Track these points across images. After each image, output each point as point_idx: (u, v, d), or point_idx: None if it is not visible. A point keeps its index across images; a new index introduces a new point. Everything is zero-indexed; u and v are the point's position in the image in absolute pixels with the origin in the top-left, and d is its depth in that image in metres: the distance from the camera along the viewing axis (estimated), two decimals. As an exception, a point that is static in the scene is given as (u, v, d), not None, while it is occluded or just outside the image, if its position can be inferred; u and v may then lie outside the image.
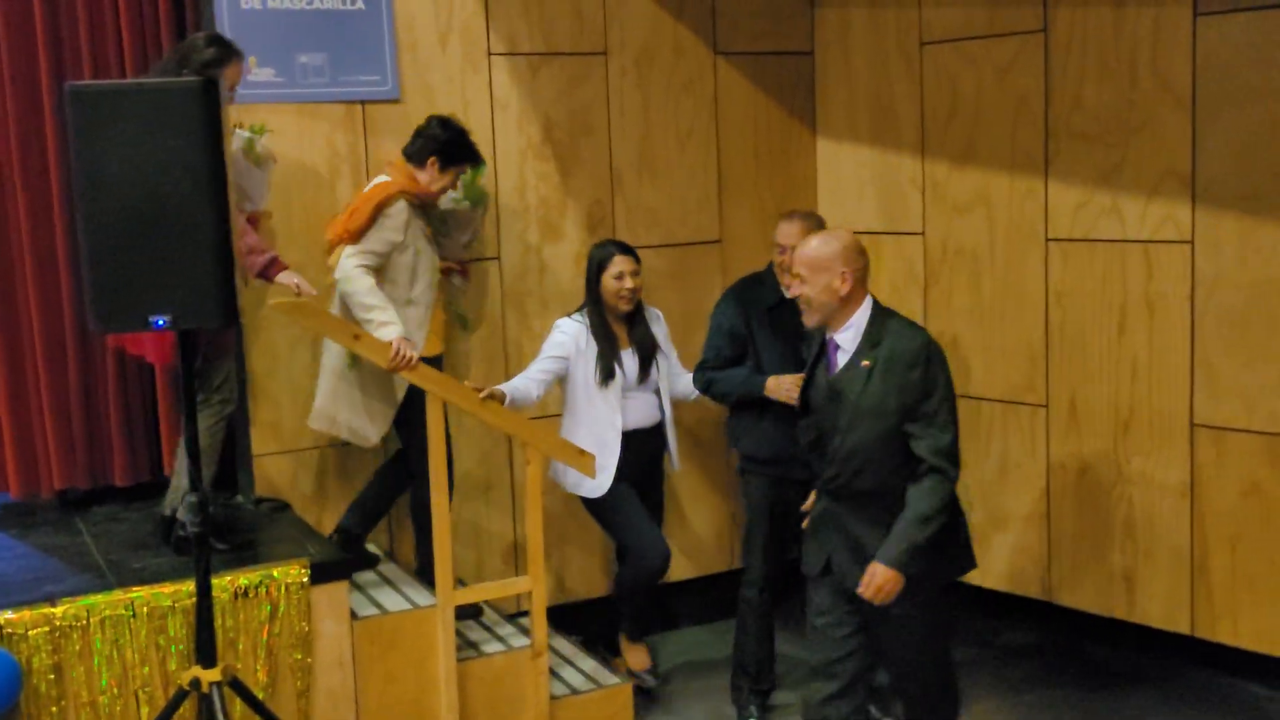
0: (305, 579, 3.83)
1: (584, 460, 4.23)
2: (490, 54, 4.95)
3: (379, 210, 4.21)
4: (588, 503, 4.61)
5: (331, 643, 3.89)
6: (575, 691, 4.34)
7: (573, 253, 5.14)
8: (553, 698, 4.28)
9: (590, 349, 4.52)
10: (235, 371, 4.26)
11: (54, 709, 3.54)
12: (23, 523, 4.51)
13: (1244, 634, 4.52)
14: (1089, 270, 4.79)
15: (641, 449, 4.60)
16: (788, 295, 4.17)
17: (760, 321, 4.41)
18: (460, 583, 4.50)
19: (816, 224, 4.30)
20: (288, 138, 4.61)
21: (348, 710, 3.95)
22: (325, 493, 4.76)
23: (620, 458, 4.50)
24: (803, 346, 4.14)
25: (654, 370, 4.61)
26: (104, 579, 3.82)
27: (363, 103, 4.75)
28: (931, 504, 3.38)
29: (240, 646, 3.75)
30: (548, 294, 5.10)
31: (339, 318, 4.22)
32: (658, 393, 4.65)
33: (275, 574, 3.80)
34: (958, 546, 3.61)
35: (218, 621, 3.56)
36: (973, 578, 5.26)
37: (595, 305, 4.57)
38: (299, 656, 3.83)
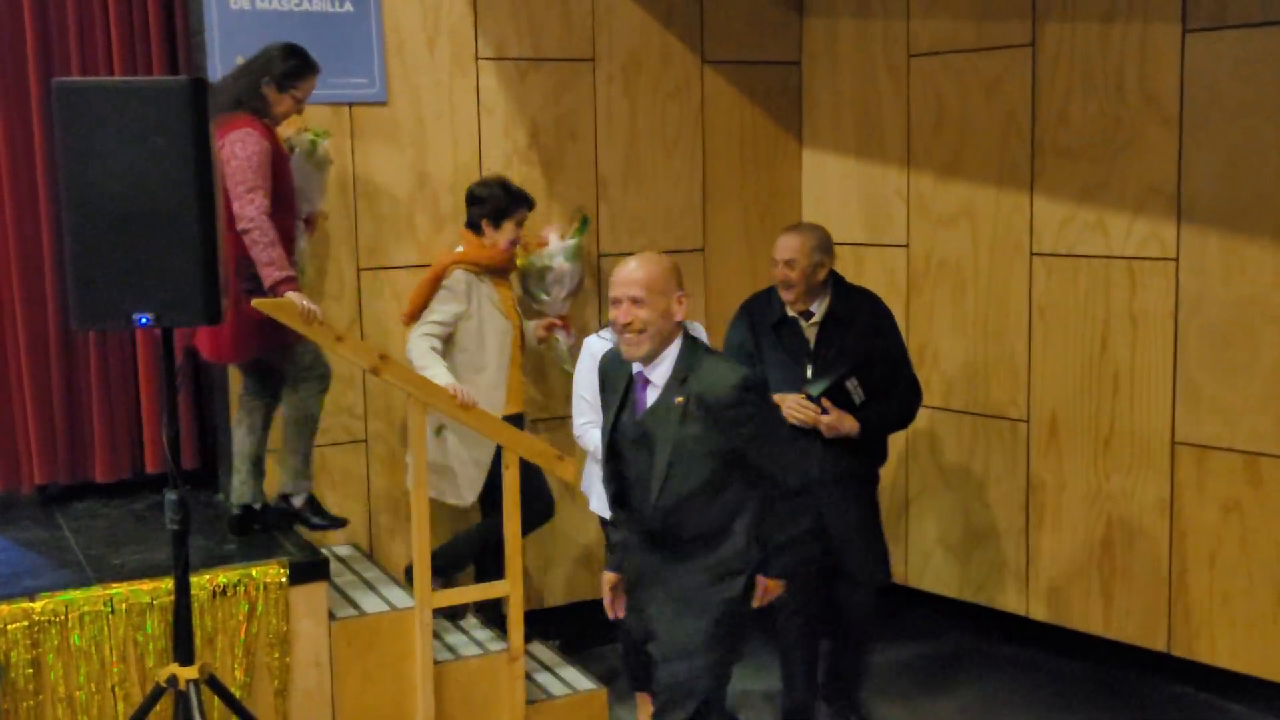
0: (284, 579, 3.82)
1: (563, 465, 4.23)
2: (478, 58, 4.96)
3: (437, 283, 4.40)
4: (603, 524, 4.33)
5: (309, 643, 3.89)
6: (551, 696, 4.34)
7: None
8: (529, 702, 4.27)
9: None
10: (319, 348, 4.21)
11: (30, 703, 3.53)
12: (3, 517, 4.49)
13: (1221, 652, 4.54)
14: (1073, 286, 4.81)
15: None
16: (789, 313, 4.14)
17: (767, 339, 4.21)
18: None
19: (819, 237, 4.15)
20: (275, 138, 4.61)
21: (324, 710, 3.94)
22: (306, 493, 4.74)
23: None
24: (808, 361, 4.11)
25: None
26: (83, 575, 3.81)
27: (350, 105, 4.75)
28: (792, 531, 3.30)
29: (218, 645, 3.75)
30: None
31: (320, 319, 4.21)
32: None
33: (254, 573, 3.80)
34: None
35: (196, 620, 3.55)
36: (950, 590, 5.29)
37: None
38: (277, 656, 3.82)
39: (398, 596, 4.24)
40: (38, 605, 3.56)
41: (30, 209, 4.46)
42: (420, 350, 4.32)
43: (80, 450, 4.64)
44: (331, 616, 3.98)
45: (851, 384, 4.08)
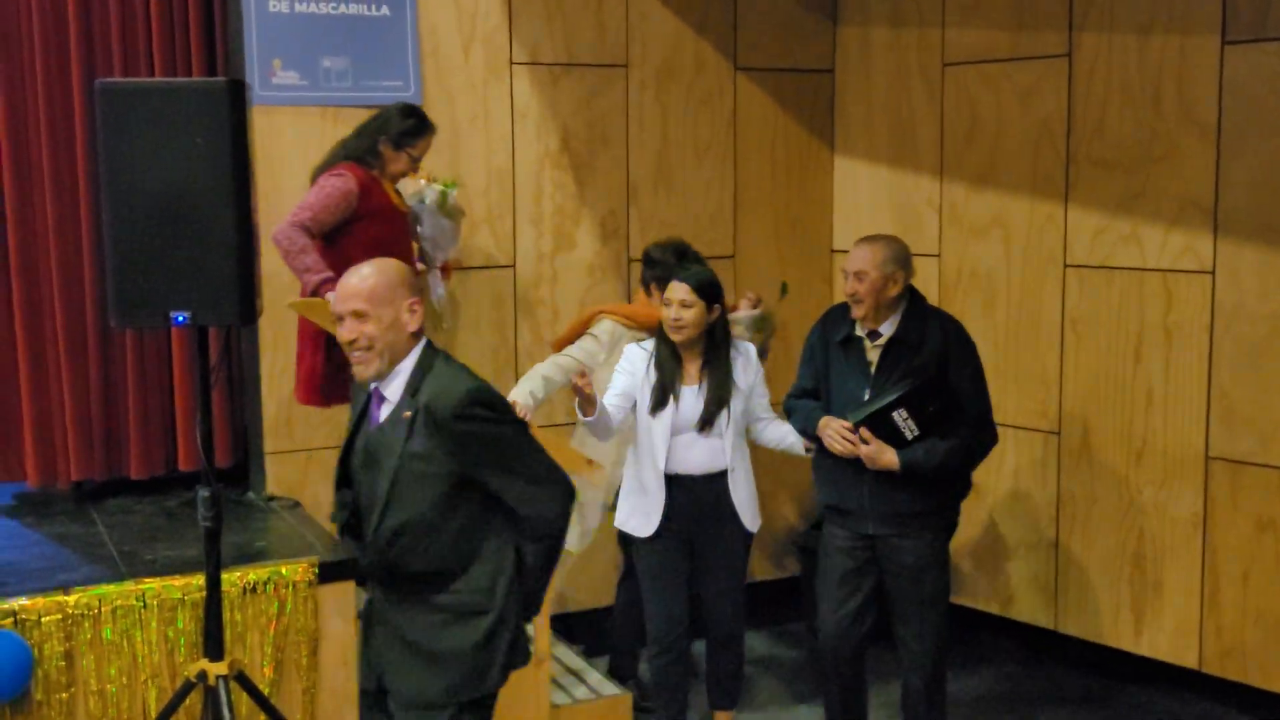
0: (313, 577, 3.85)
1: (592, 469, 4.24)
2: (512, 63, 4.99)
3: (586, 325, 4.46)
4: (632, 543, 4.25)
5: (337, 641, 3.91)
6: (575, 701, 4.35)
7: (585, 263, 5.16)
8: (553, 706, 4.28)
9: (650, 378, 4.04)
10: None
11: (64, 695, 3.57)
12: (39, 512, 4.55)
13: (1252, 671, 4.49)
14: (1106, 297, 4.78)
15: (696, 499, 4.04)
16: (857, 331, 3.89)
17: (835, 356, 3.94)
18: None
19: (894, 249, 3.85)
20: (310, 141, 4.65)
21: (350, 710, 3.95)
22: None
23: (667, 505, 4.03)
24: (867, 385, 3.84)
25: (723, 417, 4.01)
26: (116, 570, 3.85)
27: (384, 107, 4.77)
28: (538, 583, 3.02)
29: (248, 642, 3.77)
30: (559, 303, 5.13)
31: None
32: (723, 438, 4.05)
33: (284, 571, 3.82)
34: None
35: (226, 616, 3.58)
36: (978, 603, 5.25)
37: (661, 332, 4.06)
38: (305, 654, 3.84)
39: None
40: (71, 599, 3.59)
41: (71, 208, 4.52)
42: (532, 371, 4.26)
43: (116, 447, 4.69)
44: (359, 615, 4.00)
45: (900, 415, 3.75)
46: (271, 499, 4.66)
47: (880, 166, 5.49)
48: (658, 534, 4.04)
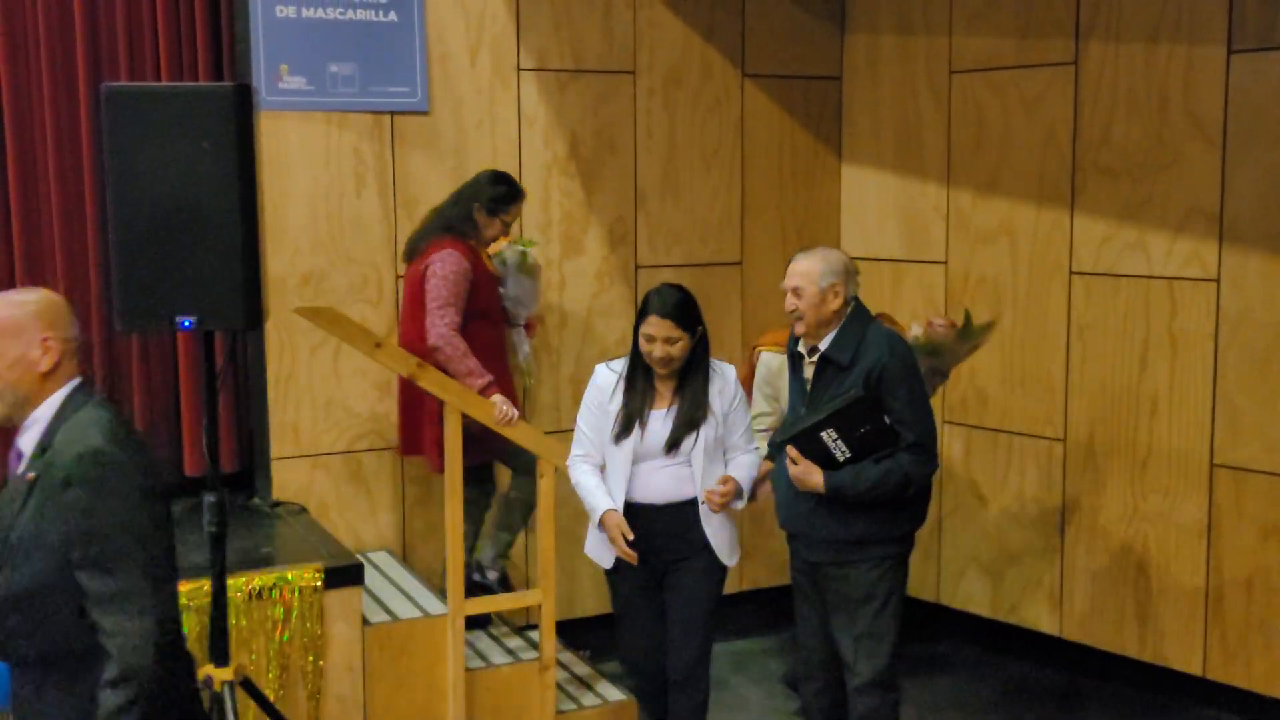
0: (319, 583, 3.85)
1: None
2: (520, 69, 4.99)
3: (752, 369, 4.48)
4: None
5: (343, 647, 3.91)
6: (582, 707, 4.34)
7: (593, 269, 5.16)
8: (559, 712, 4.27)
9: (616, 402, 3.79)
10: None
11: (65, 703, 3.56)
12: (41, 517, 4.54)
13: (1257, 677, 4.49)
14: (1112, 305, 4.78)
15: (663, 528, 3.75)
16: (800, 347, 3.71)
17: (789, 370, 3.83)
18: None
19: (831, 262, 3.61)
20: (316, 146, 4.66)
21: (356, 715, 3.96)
22: (342, 497, 4.78)
23: (638, 534, 3.73)
24: (803, 404, 3.67)
25: (690, 442, 3.72)
26: (119, 576, 3.84)
27: (391, 113, 4.79)
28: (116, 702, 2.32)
29: (253, 647, 3.77)
30: (566, 309, 5.13)
31: (360, 325, 4.25)
32: (690, 465, 3.76)
33: (289, 577, 3.82)
34: None
35: (232, 621, 3.58)
36: (982, 609, 5.25)
37: (635, 353, 3.79)
38: (311, 660, 3.84)
39: (431, 603, 4.25)
40: (76, 603, 3.59)
41: (77, 211, 4.52)
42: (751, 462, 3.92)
43: (120, 451, 4.68)
44: (365, 621, 4.00)
45: (829, 436, 3.52)
46: (277, 504, 4.65)
47: (887, 173, 5.49)
48: (620, 565, 3.78)
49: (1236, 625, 4.52)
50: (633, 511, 3.75)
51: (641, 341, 3.73)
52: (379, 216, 4.78)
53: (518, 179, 4.98)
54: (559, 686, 4.37)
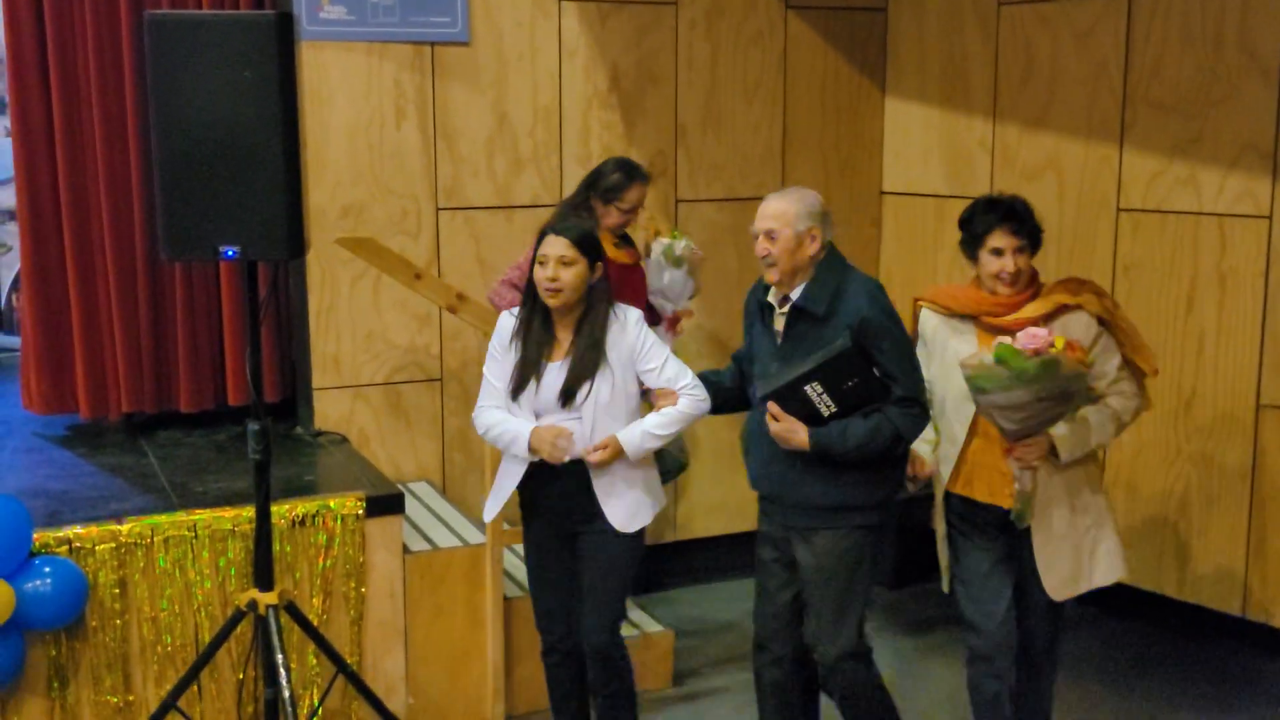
0: (360, 511, 3.90)
1: None
2: (561, 0, 4.93)
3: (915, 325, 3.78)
4: None
5: (384, 574, 3.97)
6: (619, 637, 4.39)
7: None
8: (596, 642, 4.32)
9: (513, 353, 3.46)
10: None
11: (118, 622, 3.65)
12: (91, 443, 4.63)
13: (1296, 618, 4.47)
14: (1160, 242, 4.70)
15: (561, 489, 3.44)
16: (769, 296, 3.39)
17: (756, 319, 3.48)
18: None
19: (808, 203, 3.31)
20: (356, 77, 4.65)
21: (396, 641, 4.03)
22: (382, 428, 4.82)
23: (535, 493, 3.47)
24: (775, 358, 3.36)
25: (582, 394, 3.36)
26: (168, 500, 3.92)
27: (432, 44, 4.75)
28: None
29: (297, 574, 3.84)
30: (609, 243, 5.11)
31: (401, 256, 4.26)
32: (582, 420, 3.40)
33: (332, 505, 3.88)
34: None
35: (275, 548, 3.63)
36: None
37: (529, 290, 3.45)
38: (353, 586, 3.91)
39: (470, 533, 4.30)
40: (124, 528, 3.66)
41: (120, 141, 4.54)
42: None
43: (166, 380, 4.75)
44: (406, 550, 4.06)
45: (814, 390, 3.25)
46: (319, 434, 4.71)
47: (932, 107, 5.40)
48: (527, 525, 3.56)
49: (1277, 567, 4.49)
50: (531, 472, 3.45)
51: (535, 270, 3.39)
52: (419, 148, 4.77)
53: (558, 111, 4.96)
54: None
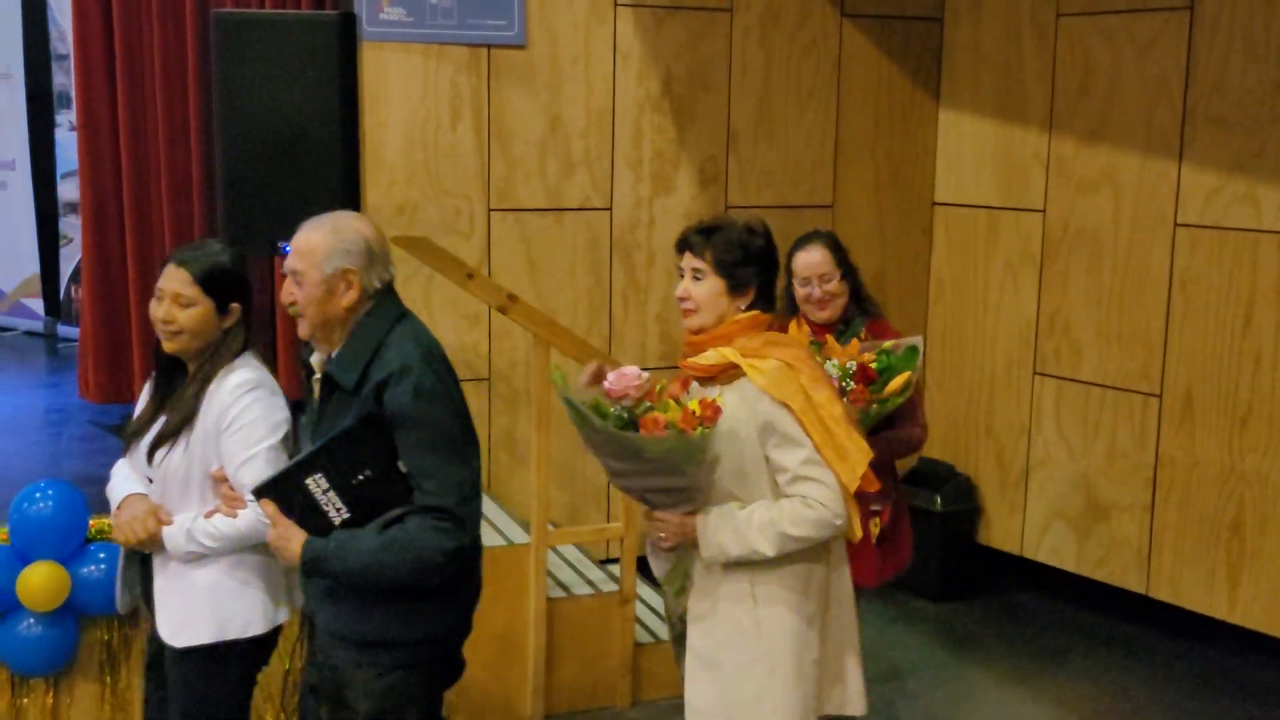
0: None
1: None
2: (616, 4, 4.95)
3: None
4: None
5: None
6: (660, 640, 4.39)
7: (682, 209, 5.14)
8: (637, 644, 4.33)
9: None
10: None
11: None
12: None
13: (1350, 643, 4.39)
14: (1218, 259, 4.65)
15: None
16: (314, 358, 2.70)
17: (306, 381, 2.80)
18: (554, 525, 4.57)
19: (347, 238, 2.61)
20: (413, 77, 4.68)
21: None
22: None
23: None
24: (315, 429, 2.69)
25: (178, 457, 2.76)
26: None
27: (488, 46, 4.79)
28: None
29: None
30: (655, 247, 5.12)
31: (453, 256, 4.29)
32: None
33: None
34: None
35: (323, 541, 3.65)
36: (1067, 564, 5.18)
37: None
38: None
39: (515, 532, 4.32)
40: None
41: (182, 137, 4.62)
42: None
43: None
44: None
45: (316, 485, 2.54)
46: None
47: (986, 119, 5.37)
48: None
49: (1331, 591, 4.42)
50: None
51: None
52: (473, 150, 4.81)
53: (611, 115, 4.98)
54: (638, 620, 4.42)
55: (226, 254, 2.80)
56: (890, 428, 3.39)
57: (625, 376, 2.58)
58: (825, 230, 3.70)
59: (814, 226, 5.34)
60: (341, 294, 2.55)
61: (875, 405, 3.18)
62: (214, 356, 2.76)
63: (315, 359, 2.66)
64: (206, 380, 2.74)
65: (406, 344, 2.55)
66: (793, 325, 3.49)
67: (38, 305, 7.97)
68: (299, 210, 3.34)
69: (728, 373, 2.65)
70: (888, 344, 3.31)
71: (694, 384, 2.70)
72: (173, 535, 2.72)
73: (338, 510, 2.51)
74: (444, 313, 4.82)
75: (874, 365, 3.21)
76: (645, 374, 2.62)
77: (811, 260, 3.50)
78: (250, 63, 3.41)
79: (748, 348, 2.65)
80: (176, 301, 2.73)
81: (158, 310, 2.74)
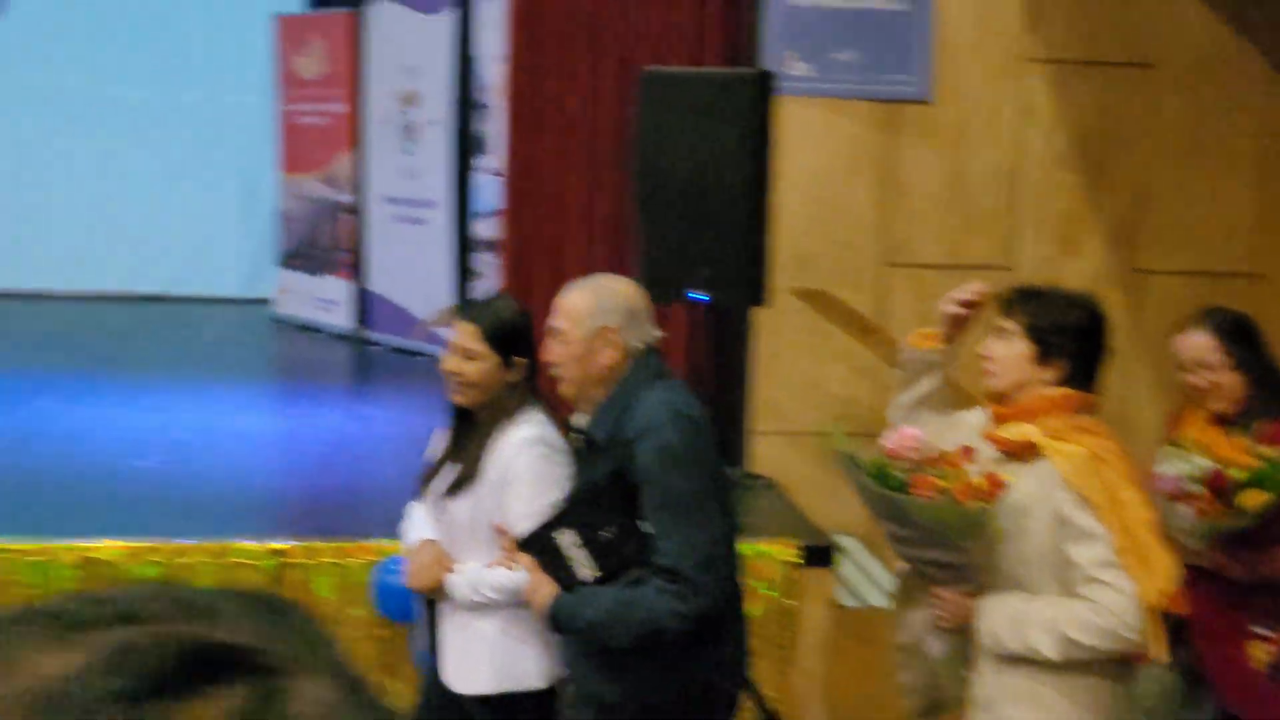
0: (796, 559, 3.92)
1: None
2: (1027, 59, 4.81)
3: None
4: None
5: (813, 626, 3.97)
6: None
7: (1090, 271, 4.88)
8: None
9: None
10: None
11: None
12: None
13: None
14: None
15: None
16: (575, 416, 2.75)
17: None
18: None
19: (609, 297, 2.64)
20: (813, 130, 4.73)
21: (816, 693, 4.02)
22: (813, 477, 4.84)
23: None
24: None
25: (465, 507, 2.77)
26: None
27: (891, 101, 4.77)
28: None
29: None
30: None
31: (853, 309, 4.29)
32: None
33: (769, 550, 3.92)
34: None
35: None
36: None
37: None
38: (781, 633, 3.93)
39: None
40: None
41: (598, 186, 4.88)
42: None
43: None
44: (836, 604, 4.05)
45: (569, 540, 2.58)
46: (751, 476, 4.79)
47: None
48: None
49: None
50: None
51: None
52: (870, 203, 4.79)
53: (1014, 172, 4.82)
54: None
55: (512, 309, 2.87)
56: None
57: (904, 437, 2.47)
58: (1222, 309, 3.23)
59: (1237, 296, 4.97)
60: (601, 352, 2.57)
61: (1223, 520, 2.74)
62: (498, 410, 2.77)
63: (577, 418, 2.70)
64: (490, 433, 2.75)
65: (657, 403, 2.55)
66: (1186, 413, 3.13)
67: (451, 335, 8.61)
68: (708, 260, 3.46)
69: (1029, 451, 2.47)
70: (1271, 451, 2.80)
71: (981, 455, 2.49)
72: (458, 584, 2.75)
73: (589, 567, 2.53)
74: (834, 365, 4.80)
75: (1237, 475, 2.74)
76: (924, 438, 2.48)
77: (1189, 344, 3.07)
78: (671, 116, 3.56)
79: (1053, 428, 2.47)
80: (464, 355, 2.76)
81: (448, 363, 2.79)
